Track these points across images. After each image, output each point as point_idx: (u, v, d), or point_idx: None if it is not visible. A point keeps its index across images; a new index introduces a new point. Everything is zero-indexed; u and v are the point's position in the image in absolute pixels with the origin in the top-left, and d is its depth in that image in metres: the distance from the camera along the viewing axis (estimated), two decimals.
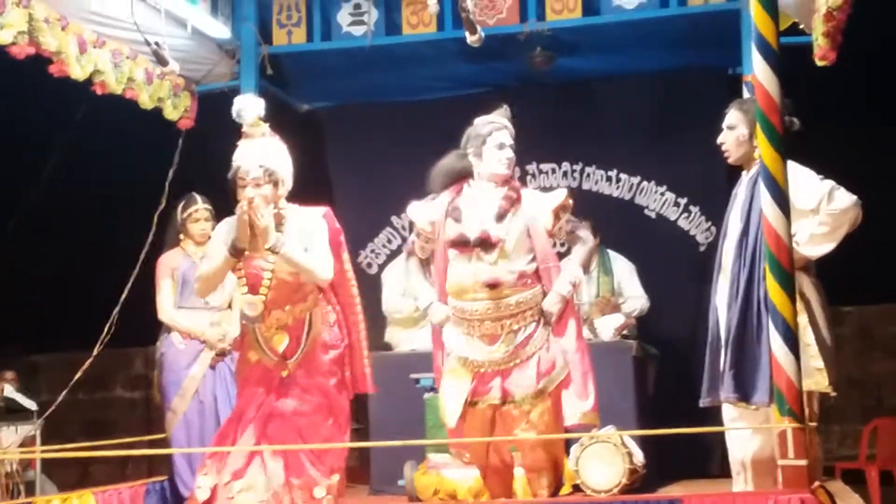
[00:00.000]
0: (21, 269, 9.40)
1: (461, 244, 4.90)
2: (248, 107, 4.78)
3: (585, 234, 5.05)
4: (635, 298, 7.07)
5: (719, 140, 4.89)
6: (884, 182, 8.68)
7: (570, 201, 4.93)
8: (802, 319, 4.45)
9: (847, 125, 8.51)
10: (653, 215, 7.69)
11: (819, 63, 5.99)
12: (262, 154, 4.70)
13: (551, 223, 4.86)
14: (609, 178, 7.82)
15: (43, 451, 6.56)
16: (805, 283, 4.57)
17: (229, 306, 6.07)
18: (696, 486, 5.94)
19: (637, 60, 7.58)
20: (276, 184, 4.71)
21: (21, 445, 6.72)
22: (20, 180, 8.15)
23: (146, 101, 6.59)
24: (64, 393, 6.36)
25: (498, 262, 4.83)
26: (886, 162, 8.63)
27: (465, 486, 5.84)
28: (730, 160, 4.91)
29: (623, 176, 7.82)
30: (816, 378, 4.47)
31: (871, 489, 7.34)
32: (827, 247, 4.54)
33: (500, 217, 4.88)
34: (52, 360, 9.52)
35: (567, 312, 4.86)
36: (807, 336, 4.47)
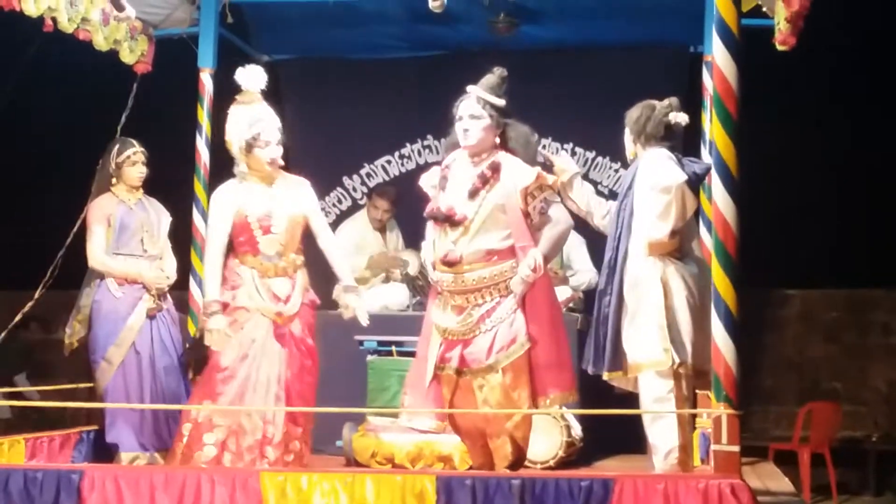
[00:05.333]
0: None
1: (433, 217, 4.94)
2: (255, 78, 5.37)
3: (556, 215, 4.97)
4: (584, 272, 7.11)
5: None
6: (835, 170, 8.80)
7: (549, 180, 4.86)
8: (659, 301, 4.63)
9: (804, 112, 8.59)
10: (605, 191, 7.68)
11: (779, 48, 6.00)
12: (274, 119, 5.30)
13: (523, 203, 4.81)
14: (564, 151, 7.81)
15: None
16: (669, 270, 4.69)
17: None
18: (632, 460, 6.00)
19: (600, 32, 7.57)
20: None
21: None
22: None
23: (101, 43, 6.47)
24: (3, 333, 6.29)
25: (459, 241, 4.83)
26: (839, 150, 8.73)
27: (403, 450, 5.89)
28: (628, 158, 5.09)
29: (578, 150, 7.83)
30: (662, 358, 4.60)
31: (803, 471, 7.49)
32: (664, 226, 4.68)
33: (472, 195, 4.85)
34: None
35: (539, 292, 4.84)
36: (660, 318, 4.61)
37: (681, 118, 4.92)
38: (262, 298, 5.22)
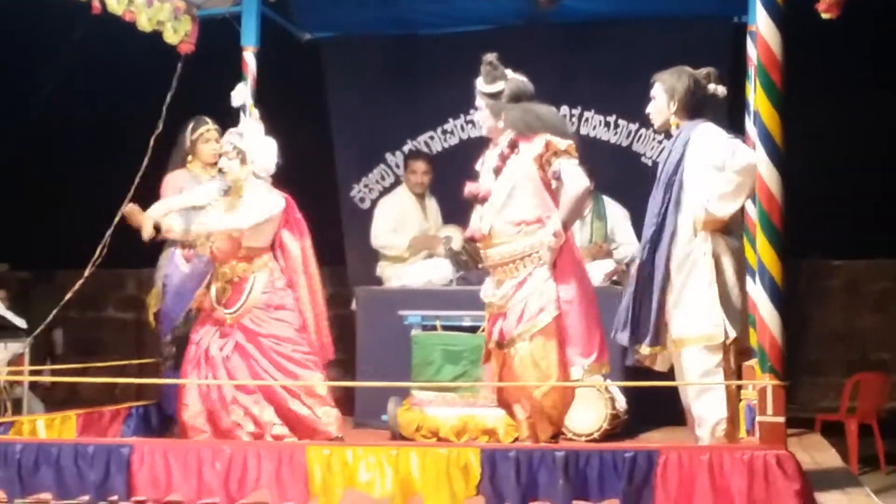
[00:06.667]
0: (16, 188, 9.39)
1: (468, 197, 5.12)
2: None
3: (569, 178, 4.99)
4: (627, 245, 7.07)
5: (647, 109, 5.00)
6: (881, 138, 8.68)
7: (562, 145, 4.89)
8: (710, 277, 4.57)
9: (847, 82, 8.47)
10: (649, 163, 7.67)
11: (823, 16, 5.93)
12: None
13: (536, 172, 4.88)
14: (607, 124, 7.79)
15: (31, 374, 6.60)
16: (720, 245, 4.64)
17: None
18: (677, 433, 5.99)
19: (643, 4, 7.51)
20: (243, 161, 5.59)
21: (10, 362, 6.76)
22: (15, 101, 8.11)
23: (145, 24, 6.53)
24: (54, 312, 6.39)
25: (482, 217, 4.98)
26: (884, 118, 8.61)
27: (447, 424, 5.92)
28: (655, 127, 5.04)
29: (622, 122, 7.79)
30: (714, 332, 4.55)
31: (850, 441, 7.42)
32: (732, 206, 4.60)
33: (497, 172, 5.01)
34: (44, 279, 9.53)
35: (565, 261, 4.88)
36: (712, 293, 4.56)
37: (720, 90, 4.87)
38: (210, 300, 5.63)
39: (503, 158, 5.00)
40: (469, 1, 7.53)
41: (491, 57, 5.13)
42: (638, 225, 7.09)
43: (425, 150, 8.03)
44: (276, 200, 5.62)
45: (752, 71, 6.50)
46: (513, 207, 4.92)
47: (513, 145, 4.99)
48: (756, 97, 4.34)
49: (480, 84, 5.10)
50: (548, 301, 4.84)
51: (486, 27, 7.81)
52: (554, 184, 4.92)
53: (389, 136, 8.09)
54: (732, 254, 4.65)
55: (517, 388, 4.85)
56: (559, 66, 7.70)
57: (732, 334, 4.55)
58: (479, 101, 5.08)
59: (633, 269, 4.89)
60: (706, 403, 4.58)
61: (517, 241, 4.90)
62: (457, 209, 7.45)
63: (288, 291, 5.62)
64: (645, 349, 4.72)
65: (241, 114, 5.80)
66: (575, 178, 4.87)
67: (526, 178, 4.91)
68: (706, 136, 4.71)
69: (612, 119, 7.77)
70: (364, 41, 8.07)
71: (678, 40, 7.42)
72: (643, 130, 7.74)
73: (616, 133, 7.75)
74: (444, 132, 8.11)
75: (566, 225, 4.82)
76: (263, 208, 5.57)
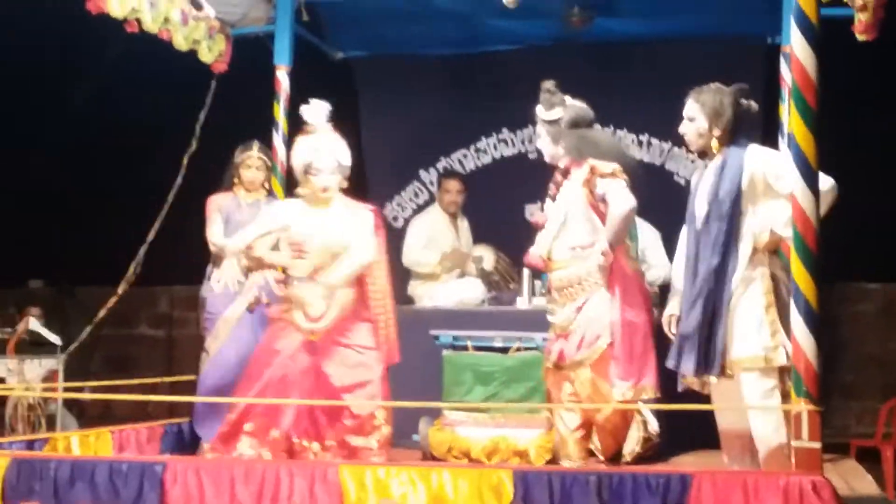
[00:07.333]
0: (51, 207, 9.48)
1: (533, 225, 5.37)
2: (317, 112, 5.41)
3: (615, 199, 5.05)
4: (658, 267, 7.03)
5: (680, 130, 4.87)
6: None
7: (607, 169, 4.95)
8: (770, 298, 4.51)
9: (883, 103, 8.42)
10: (682, 182, 7.65)
11: (859, 38, 5.90)
12: (332, 150, 5.34)
13: (586, 197, 4.99)
14: (640, 143, 7.79)
15: (65, 389, 6.65)
16: (776, 265, 4.59)
17: None
18: (710, 457, 5.94)
19: (674, 24, 7.50)
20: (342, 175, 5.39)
21: (45, 378, 6.82)
22: (50, 118, 8.18)
23: (181, 43, 6.58)
24: (88, 329, 6.44)
25: (538, 243, 5.21)
26: None
27: (479, 444, 5.90)
28: (692, 149, 4.90)
29: (654, 140, 7.79)
30: (773, 355, 4.48)
31: (886, 468, 7.33)
32: None
33: (553, 199, 5.22)
34: (80, 295, 9.60)
35: (617, 283, 4.98)
36: (771, 315, 4.50)
37: (753, 106, 4.79)
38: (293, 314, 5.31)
39: (557, 185, 5.19)
40: (501, 20, 7.53)
41: (549, 84, 5.25)
42: (669, 247, 7.10)
43: (458, 168, 8.05)
44: (367, 215, 5.47)
45: (785, 92, 6.48)
46: (567, 232, 5.10)
47: (566, 172, 5.10)
48: (791, 119, 4.28)
49: (540, 111, 5.23)
50: (604, 327, 5.03)
51: (518, 46, 7.83)
52: (602, 206, 4.99)
53: (423, 154, 8.12)
54: (786, 273, 4.58)
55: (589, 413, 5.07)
56: (591, 85, 7.61)
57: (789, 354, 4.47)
58: (540, 129, 5.24)
59: (698, 302, 4.64)
60: (764, 427, 4.51)
61: (573, 265, 5.09)
62: (489, 228, 7.50)
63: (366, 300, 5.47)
64: (713, 380, 4.60)
65: (312, 126, 5.49)
66: (620, 199, 4.97)
67: (577, 204, 5.06)
68: (763, 160, 4.58)
69: (644, 138, 7.76)
70: (396, 60, 8.11)
71: (710, 60, 7.38)
72: (675, 149, 7.73)
73: (649, 152, 7.74)
74: (478, 150, 8.13)
75: (612, 245, 4.91)
76: (369, 229, 5.39)
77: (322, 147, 5.36)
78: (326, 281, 5.26)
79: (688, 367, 4.63)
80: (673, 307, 4.83)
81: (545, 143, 5.24)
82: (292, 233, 5.37)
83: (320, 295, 5.23)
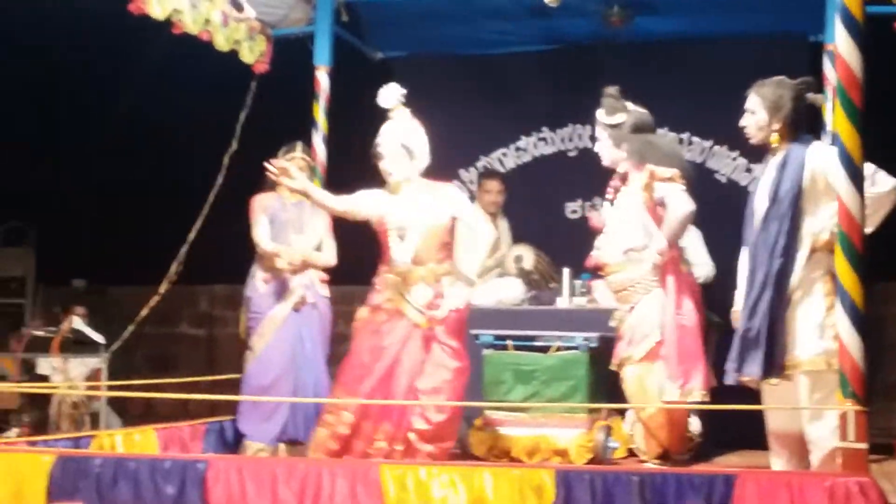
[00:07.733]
0: (95, 205, 9.55)
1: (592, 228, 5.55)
2: (386, 96, 5.48)
3: (673, 201, 5.11)
4: (701, 266, 6.97)
5: (741, 123, 4.84)
6: None
7: (666, 173, 5.01)
8: (829, 300, 4.45)
9: None
10: (723, 180, 7.60)
11: None
12: (391, 135, 5.35)
13: (644, 201, 5.05)
14: (681, 141, 7.73)
15: (109, 388, 6.71)
16: (831, 265, 4.47)
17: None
18: (752, 456, 5.90)
19: (715, 23, 7.45)
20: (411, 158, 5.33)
21: (88, 377, 6.89)
22: (93, 120, 8.24)
23: (222, 44, 6.63)
24: (131, 328, 6.50)
25: (598, 247, 5.35)
26: None
27: (519, 444, 5.89)
28: (752, 142, 4.86)
29: (695, 139, 7.73)
30: (828, 357, 4.42)
31: None
32: (867, 229, 4.47)
33: (612, 203, 5.36)
34: (122, 294, 9.67)
35: (670, 285, 5.06)
36: (831, 318, 4.41)
37: (819, 99, 4.75)
38: (400, 302, 5.24)
39: (616, 189, 5.32)
40: (540, 20, 7.52)
41: (613, 89, 5.37)
42: (711, 244, 7.05)
43: (498, 166, 8.04)
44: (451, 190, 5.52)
45: (829, 91, 6.42)
46: (622, 236, 5.23)
47: (624, 177, 5.18)
48: (835, 117, 4.25)
49: (601, 115, 5.31)
50: (653, 327, 5.16)
51: (557, 46, 7.81)
52: (661, 210, 5.05)
53: (462, 153, 8.11)
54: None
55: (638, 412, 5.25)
56: (631, 84, 7.57)
57: None
58: (600, 133, 5.32)
59: (759, 305, 4.61)
60: (820, 430, 4.47)
61: (627, 269, 5.23)
62: (528, 227, 7.49)
63: None
64: (774, 381, 4.57)
65: (391, 113, 5.55)
66: (678, 202, 5.09)
67: (634, 208, 5.16)
68: (825, 158, 4.51)
69: (685, 136, 7.72)
70: (435, 60, 8.10)
71: (751, 59, 7.33)
72: (717, 147, 7.67)
73: (690, 150, 7.69)
74: (518, 149, 8.11)
75: (669, 244, 5.00)
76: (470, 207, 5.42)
77: (385, 132, 5.35)
78: (466, 275, 5.20)
79: (753, 370, 4.57)
80: (739, 304, 4.80)
81: (606, 147, 5.31)
82: (389, 223, 5.28)
83: (425, 282, 5.19)
